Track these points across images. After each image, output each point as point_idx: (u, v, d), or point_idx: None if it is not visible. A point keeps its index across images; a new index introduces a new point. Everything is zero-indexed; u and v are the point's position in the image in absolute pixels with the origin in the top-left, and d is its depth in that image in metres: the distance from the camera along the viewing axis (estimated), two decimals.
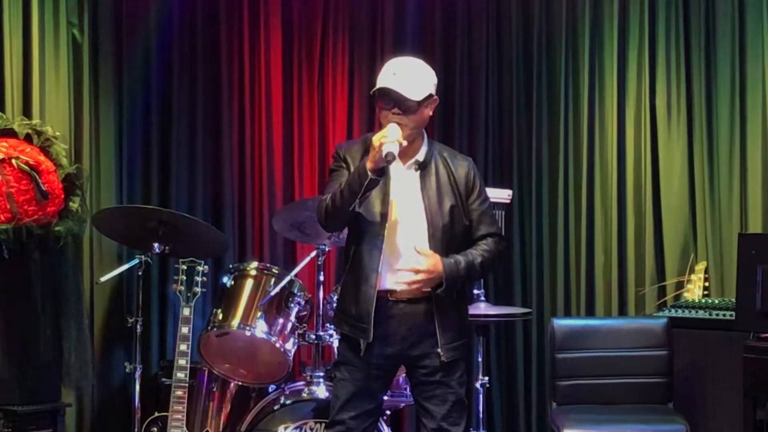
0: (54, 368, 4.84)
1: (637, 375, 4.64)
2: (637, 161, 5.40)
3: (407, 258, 3.53)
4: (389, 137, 3.41)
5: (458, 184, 3.64)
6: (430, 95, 3.60)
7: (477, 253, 3.61)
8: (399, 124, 3.50)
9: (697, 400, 4.69)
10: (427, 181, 3.61)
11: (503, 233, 5.04)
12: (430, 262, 3.49)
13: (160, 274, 5.41)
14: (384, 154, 3.37)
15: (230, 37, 5.64)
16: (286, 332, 4.66)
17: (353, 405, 3.60)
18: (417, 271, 3.48)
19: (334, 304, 4.06)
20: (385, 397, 4.60)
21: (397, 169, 3.60)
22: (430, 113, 3.64)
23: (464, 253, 3.59)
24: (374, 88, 3.56)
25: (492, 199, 4.92)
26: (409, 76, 3.55)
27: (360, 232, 3.58)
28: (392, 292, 3.56)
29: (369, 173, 3.39)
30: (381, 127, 3.55)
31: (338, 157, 3.66)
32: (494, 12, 5.78)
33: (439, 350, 3.57)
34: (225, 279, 4.76)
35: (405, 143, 3.47)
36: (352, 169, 3.56)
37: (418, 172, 3.62)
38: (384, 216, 3.55)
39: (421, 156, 3.63)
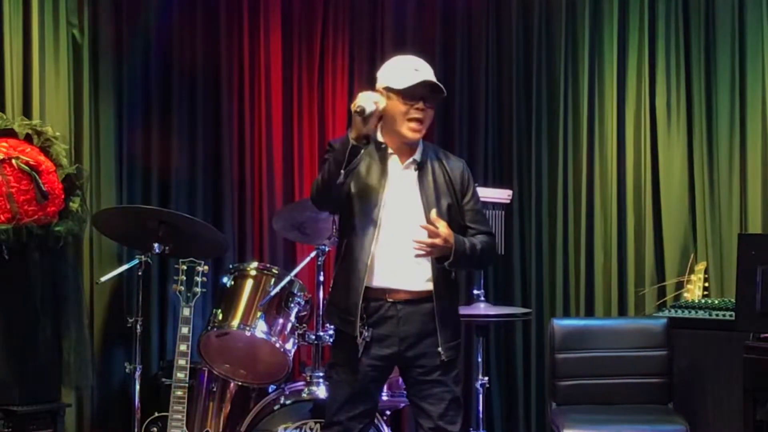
0: (54, 368, 4.84)
1: (636, 375, 4.64)
2: (636, 161, 5.40)
3: (405, 256, 3.53)
4: (365, 98, 3.46)
5: (454, 184, 3.67)
6: None
7: (477, 241, 3.64)
8: (422, 120, 3.56)
9: (697, 400, 4.69)
10: (425, 180, 3.63)
11: (503, 233, 5.09)
12: (446, 232, 3.50)
13: (160, 274, 5.40)
14: (356, 108, 3.42)
15: (230, 37, 5.64)
16: (286, 332, 4.66)
17: (351, 406, 3.60)
18: (435, 234, 3.48)
19: None
20: (385, 397, 4.61)
21: (395, 168, 3.64)
22: None
23: (467, 238, 3.62)
24: (409, 84, 3.54)
25: (492, 199, 5.00)
26: (431, 74, 3.62)
27: (353, 227, 3.60)
28: (390, 292, 3.57)
29: (351, 140, 3.42)
30: (393, 123, 3.59)
31: (332, 148, 3.66)
32: (494, 12, 5.79)
33: (439, 349, 3.57)
34: (225, 279, 4.75)
35: (382, 106, 3.50)
36: None
37: (416, 171, 3.64)
38: (377, 211, 3.57)
39: (417, 156, 3.66)
